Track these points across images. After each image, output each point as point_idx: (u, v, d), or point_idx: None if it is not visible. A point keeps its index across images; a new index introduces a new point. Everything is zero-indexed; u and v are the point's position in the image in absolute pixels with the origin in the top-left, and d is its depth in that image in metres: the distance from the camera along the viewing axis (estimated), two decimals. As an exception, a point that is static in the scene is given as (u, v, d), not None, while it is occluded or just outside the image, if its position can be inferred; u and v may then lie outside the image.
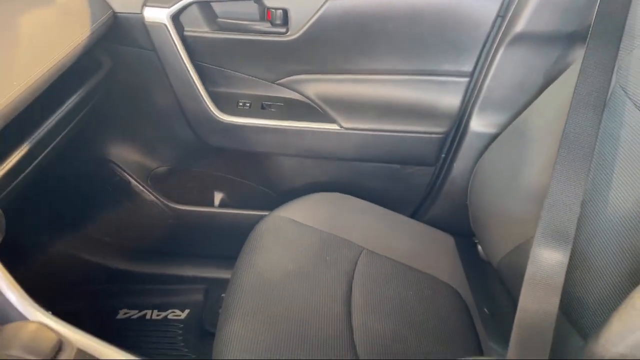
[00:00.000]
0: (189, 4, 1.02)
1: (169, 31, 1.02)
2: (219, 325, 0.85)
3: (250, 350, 0.79)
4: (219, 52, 1.09)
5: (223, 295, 1.27)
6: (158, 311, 1.31)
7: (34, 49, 0.80)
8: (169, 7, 1.01)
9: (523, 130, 0.92)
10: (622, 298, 0.56)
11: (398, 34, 1.03)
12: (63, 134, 0.91)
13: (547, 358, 0.61)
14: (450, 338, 0.87)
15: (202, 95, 1.10)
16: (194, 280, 1.37)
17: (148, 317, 1.30)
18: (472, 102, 1.06)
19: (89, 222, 1.34)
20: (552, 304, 0.63)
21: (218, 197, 1.34)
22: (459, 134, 1.10)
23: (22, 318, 0.58)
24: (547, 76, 0.97)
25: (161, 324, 1.29)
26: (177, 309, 1.32)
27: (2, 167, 0.72)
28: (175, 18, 1.03)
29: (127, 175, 1.28)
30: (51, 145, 0.87)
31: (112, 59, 1.06)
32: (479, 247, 1.08)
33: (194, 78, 1.08)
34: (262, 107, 1.15)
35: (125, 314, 1.30)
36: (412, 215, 1.24)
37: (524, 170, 0.86)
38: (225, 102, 1.14)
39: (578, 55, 0.92)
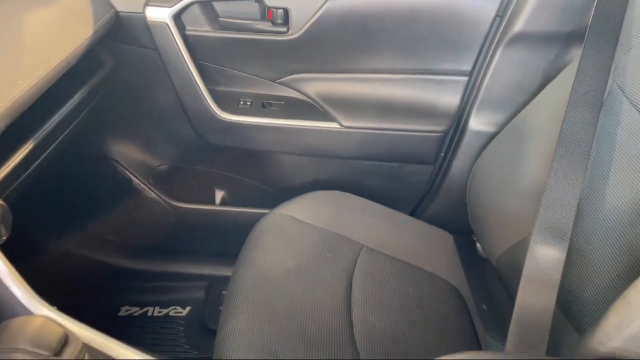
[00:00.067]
0: (191, 4, 1.03)
1: (170, 30, 1.03)
2: (220, 321, 0.86)
3: (252, 346, 0.80)
4: (220, 51, 1.10)
5: (224, 292, 1.28)
6: (160, 308, 1.32)
7: (37, 48, 0.81)
8: (170, 7, 1.01)
9: (521, 129, 0.93)
10: (618, 294, 0.57)
11: (398, 34, 1.03)
12: (66, 132, 0.92)
13: (544, 352, 0.62)
14: (449, 334, 0.88)
15: (203, 94, 1.11)
16: (195, 277, 1.38)
17: (150, 314, 1.31)
18: (471, 101, 1.06)
19: (91, 220, 1.34)
20: (549, 299, 0.64)
21: (219, 195, 1.35)
22: (458, 133, 1.10)
23: (28, 313, 0.59)
24: (545, 75, 0.98)
25: (163, 321, 1.30)
26: (178, 306, 1.33)
27: (8, 163, 0.73)
28: (177, 17, 1.04)
29: (129, 173, 1.29)
30: (54, 143, 0.88)
31: (114, 57, 1.07)
32: (478, 245, 1.09)
33: (195, 77, 1.09)
34: (263, 105, 1.16)
35: (127, 311, 1.31)
36: (412, 213, 1.25)
37: (522, 169, 0.87)
38: (226, 101, 1.15)
39: (576, 54, 0.93)
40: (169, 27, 1.03)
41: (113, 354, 0.58)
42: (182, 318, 1.31)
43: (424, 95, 1.11)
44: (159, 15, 1.02)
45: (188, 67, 1.08)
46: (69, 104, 0.91)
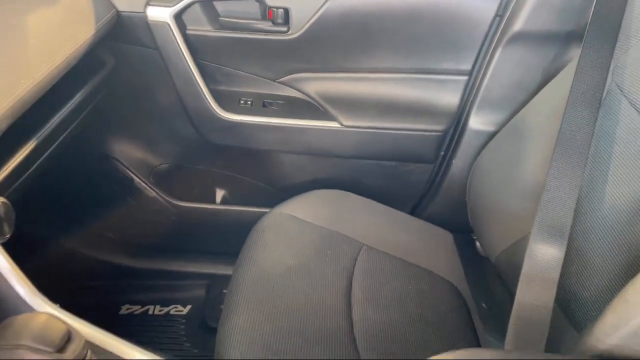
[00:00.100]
0: (192, 3, 1.03)
1: (171, 30, 1.03)
2: (221, 319, 0.86)
3: (253, 343, 0.80)
4: (221, 50, 1.11)
5: (225, 291, 1.28)
6: (160, 307, 1.32)
7: (40, 47, 0.81)
8: (171, 6, 1.02)
9: (521, 128, 0.93)
10: (616, 292, 0.57)
11: (398, 33, 1.04)
12: (67, 131, 0.92)
13: (543, 349, 0.62)
14: (449, 332, 0.89)
15: (204, 93, 1.11)
16: (196, 276, 1.38)
17: (150, 312, 1.31)
18: (470, 100, 1.07)
19: (92, 219, 1.35)
20: (548, 297, 0.65)
21: (220, 194, 1.35)
22: (458, 132, 1.11)
23: (31, 310, 0.59)
24: (544, 75, 0.99)
25: (163, 320, 1.30)
26: (179, 304, 1.33)
27: (10, 162, 0.73)
28: (178, 17, 1.04)
29: (130, 172, 1.29)
30: (56, 143, 0.88)
31: (115, 57, 1.07)
32: (477, 243, 1.09)
33: (196, 76, 1.09)
34: (264, 105, 1.16)
35: (127, 309, 1.32)
36: (412, 212, 1.25)
37: (521, 168, 0.87)
38: (227, 100, 1.15)
39: (575, 54, 0.93)
40: (170, 26, 1.03)
41: (115, 351, 0.58)
42: (182, 316, 1.31)
43: (424, 94, 1.11)
44: (160, 14, 1.02)
45: (189, 66, 1.08)
46: (70, 103, 0.91)
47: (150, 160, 1.31)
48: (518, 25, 0.95)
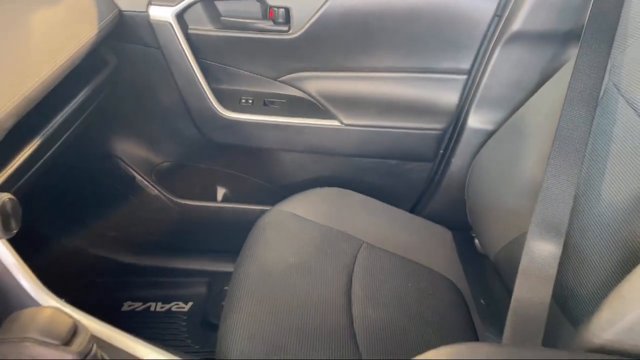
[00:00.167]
0: (193, 3, 1.04)
1: (173, 29, 1.04)
2: (223, 315, 0.87)
3: (254, 338, 0.81)
4: (223, 49, 1.11)
5: (226, 288, 1.29)
6: (162, 303, 1.33)
7: (44, 46, 0.82)
8: (173, 6, 1.03)
9: (519, 127, 0.94)
10: (612, 288, 0.58)
11: (398, 33, 1.05)
12: (71, 130, 0.93)
13: (540, 344, 0.63)
14: (448, 328, 0.89)
15: (205, 92, 1.12)
16: (197, 273, 1.39)
17: (152, 309, 1.32)
18: (469, 99, 1.08)
19: (94, 216, 1.35)
20: (545, 293, 0.65)
21: (221, 192, 1.35)
22: (457, 131, 1.12)
23: (37, 305, 0.60)
24: (542, 74, 0.99)
25: (165, 316, 1.31)
26: (180, 301, 1.34)
27: (16, 160, 0.74)
28: (180, 16, 1.05)
29: (132, 170, 1.30)
30: (60, 141, 0.89)
31: (117, 56, 1.08)
32: (476, 241, 1.10)
33: (197, 75, 1.10)
34: (265, 103, 1.17)
35: (129, 306, 1.32)
36: (411, 210, 1.26)
37: (520, 166, 0.88)
38: (228, 99, 1.16)
39: (573, 53, 0.93)
40: (172, 26, 1.04)
41: (120, 346, 0.59)
42: (184, 313, 1.32)
43: (423, 93, 1.12)
44: (162, 14, 1.03)
45: (191, 65, 1.09)
46: (73, 102, 0.92)
47: (152, 159, 1.31)
48: (517, 25, 0.95)
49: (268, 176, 1.32)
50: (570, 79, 0.73)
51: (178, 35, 1.05)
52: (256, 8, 1.07)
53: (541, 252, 0.67)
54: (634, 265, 0.58)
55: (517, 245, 0.83)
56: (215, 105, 1.14)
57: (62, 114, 0.89)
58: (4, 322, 0.51)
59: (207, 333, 1.28)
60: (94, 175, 1.31)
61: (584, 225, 0.72)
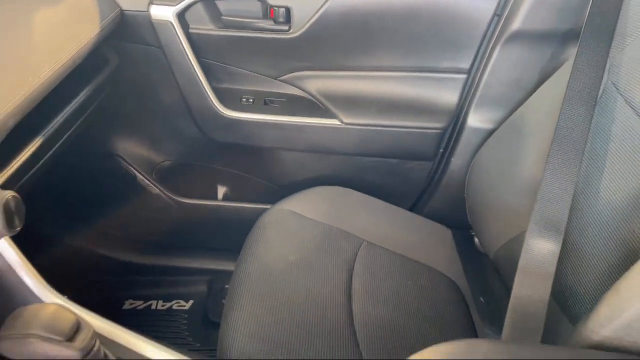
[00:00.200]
0: (194, 2, 1.04)
1: (174, 29, 1.04)
2: (224, 312, 0.88)
3: (255, 334, 0.82)
4: (223, 49, 1.12)
5: (227, 286, 1.29)
6: (163, 302, 1.33)
7: (45, 46, 0.83)
8: (175, 5, 1.03)
9: (519, 126, 0.94)
10: (611, 286, 0.59)
11: (398, 32, 1.05)
12: (72, 128, 0.93)
13: (539, 341, 0.64)
14: (447, 325, 0.90)
15: (206, 91, 1.13)
16: (198, 271, 1.39)
17: (153, 307, 1.33)
18: (469, 98, 1.08)
19: (96, 215, 1.36)
20: (544, 290, 0.66)
21: (221, 190, 1.36)
22: (457, 130, 1.12)
23: (39, 302, 0.61)
24: (542, 73, 1.00)
25: (166, 314, 1.32)
26: (181, 299, 1.34)
27: (18, 158, 0.75)
28: (181, 16, 1.05)
29: (133, 169, 1.31)
30: (61, 140, 0.89)
31: (119, 55, 1.09)
32: (476, 240, 1.10)
33: (198, 74, 1.11)
34: (265, 102, 1.17)
35: (130, 304, 1.33)
36: (411, 209, 1.26)
37: (519, 165, 0.88)
38: (229, 98, 1.16)
39: (572, 53, 0.93)
40: (173, 25, 1.04)
41: (122, 342, 0.60)
42: (185, 311, 1.32)
43: (423, 92, 1.12)
44: (163, 13, 1.04)
45: (192, 64, 1.09)
46: (75, 101, 0.92)
47: (153, 158, 1.32)
48: (516, 25, 0.96)
49: (268, 175, 1.32)
50: (569, 78, 0.73)
51: (179, 34, 1.05)
52: (257, 7, 1.07)
53: (540, 250, 0.67)
54: (632, 263, 0.58)
55: (516, 243, 0.84)
56: (216, 105, 1.14)
57: (63, 113, 0.90)
58: (8, 318, 0.51)
59: (208, 331, 1.28)
60: (95, 174, 1.31)
61: (582, 223, 0.72)
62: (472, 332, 0.91)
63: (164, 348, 0.61)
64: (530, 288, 0.66)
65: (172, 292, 1.35)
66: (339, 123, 1.14)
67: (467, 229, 1.12)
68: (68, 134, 0.92)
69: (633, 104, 0.69)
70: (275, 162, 1.28)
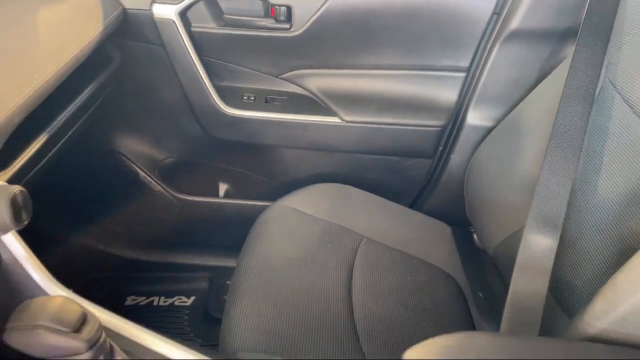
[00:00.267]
0: (197, 1, 1.05)
1: (177, 27, 1.05)
2: (226, 306, 0.89)
3: (257, 329, 0.83)
4: (225, 47, 1.12)
5: (228, 282, 1.30)
6: (165, 298, 1.34)
7: (51, 44, 0.83)
8: (177, 4, 1.04)
9: (517, 124, 0.95)
10: (607, 280, 0.60)
11: (398, 31, 1.06)
12: (76, 126, 0.94)
13: (537, 334, 0.65)
14: (446, 320, 0.91)
15: (208, 89, 1.13)
16: (200, 268, 1.40)
17: (155, 303, 1.33)
18: (468, 96, 1.09)
19: (98, 212, 1.36)
20: (541, 285, 0.67)
21: (223, 188, 1.37)
22: (456, 127, 1.13)
23: (46, 295, 0.62)
24: (540, 72, 1.01)
25: (168, 310, 1.32)
26: (183, 295, 1.35)
27: (25, 154, 0.76)
28: (183, 14, 1.06)
29: (136, 167, 1.31)
30: (65, 137, 0.90)
31: (121, 54, 1.09)
32: (475, 236, 1.11)
33: (200, 72, 1.11)
34: (266, 100, 1.18)
35: (133, 300, 1.34)
36: (411, 206, 1.27)
37: (517, 162, 0.89)
38: (230, 96, 1.17)
39: (570, 51, 0.94)
40: (175, 23, 1.05)
41: (126, 334, 0.61)
42: (186, 307, 1.33)
43: (423, 90, 1.13)
44: (165, 12, 1.04)
45: (194, 63, 1.10)
46: (79, 98, 0.93)
47: (155, 155, 1.32)
48: (515, 23, 0.97)
49: (270, 172, 1.33)
50: (567, 76, 0.74)
51: (181, 32, 1.06)
52: (258, 6, 1.08)
53: (538, 245, 0.68)
54: (628, 258, 0.59)
55: (515, 240, 0.84)
56: (218, 102, 1.15)
57: (67, 110, 0.90)
58: (15, 310, 0.52)
59: (209, 327, 1.29)
60: (97, 171, 1.32)
61: (580, 219, 0.73)
62: (470, 327, 0.92)
63: (168, 340, 0.62)
64: (528, 282, 0.67)
65: (174, 288, 1.36)
66: (340, 121, 1.15)
67: (466, 225, 1.13)
68: (72, 131, 0.93)
69: (630, 101, 0.70)
70: (276, 159, 1.29)
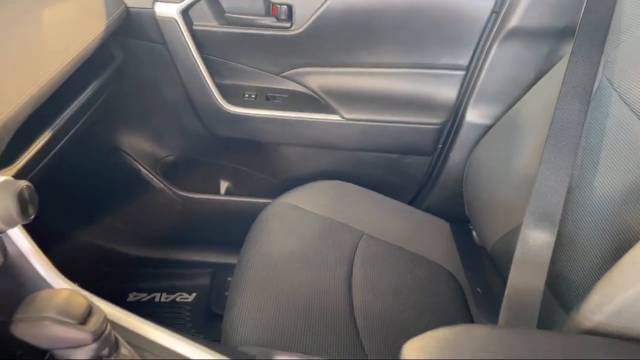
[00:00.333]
0: (198, 0, 1.06)
1: (178, 25, 1.06)
2: (228, 302, 0.89)
3: (258, 324, 0.84)
4: (227, 45, 1.13)
5: (229, 279, 1.30)
6: (167, 294, 1.35)
7: (55, 42, 0.84)
8: (179, 3, 1.05)
9: (516, 122, 0.96)
10: (603, 275, 0.61)
11: (398, 29, 1.07)
12: (79, 123, 0.95)
13: (534, 328, 0.65)
14: (445, 314, 0.92)
15: (209, 87, 1.14)
16: (201, 265, 1.41)
17: (157, 299, 1.34)
18: (467, 94, 1.10)
19: (100, 209, 1.37)
20: (539, 280, 0.68)
21: (224, 185, 1.37)
22: (455, 125, 1.14)
23: (51, 288, 0.63)
24: (538, 70, 1.01)
25: (170, 307, 1.33)
26: (184, 292, 1.36)
27: (31, 149, 0.77)
28: (185, 13, 1.07)
29: (137, 164, 1.32)
30: (69, 134, 0.91)
31: (124, 52, 1.10)
32: (474, 233, 1.11)
33: (202, 70, 1.12)
34: (267, 98, 1.19)
35: (135, 296, 1.34)
36: (410, 203, 1.27)
37: (516, 159, 0.90)
38: (232, 94, 1.18)
39: (568, 49, 0.94)
40: (177, 22, 1.06)
41: (130, 327, 0.62)
42: (188, 304, 1.34)
43: (422, 88, 1.14)
44: (167, 10, 1.05)
45: (195, 61, 1.11)
46: (82, 96, 0.94)
47: (157, 153, 1.33)
48: (514, 22, 0.97)
49: (270, 170, 1.34)
50: (565, 74, 0.75)
51: (183, 31, 1.07)
52: (259, 5, 1.09)
53: (536, 240, 0.69)
54: (624, 254, 0.60)
55: (513, 236, 0.84)
56: (219, 100, 1.15)
57: (71, 107, 0.91)
58: (22, 303, 0.53)
59: (211, 323, 1.30)
60: (99, 168, 1.32)
61: (577, 216, 0.74)
62: (469, 322, 0.93)
63: (172, 333, 0.63)
64: (525, 277, 0.68)
65: (176, 285, 1.37)
66: (340, 119, 1.15)
67: (465, 222, 1.13)
68: (75, 128, 0.93)
69: (627, 99, 0.71)
70: (277, 157, 1.29)
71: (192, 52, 1.10)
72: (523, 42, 0.99)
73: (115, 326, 0.61)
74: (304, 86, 1.20)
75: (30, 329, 0.51)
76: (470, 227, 1.13)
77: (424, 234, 1.12)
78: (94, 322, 0.52)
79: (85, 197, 1.34)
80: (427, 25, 1.05)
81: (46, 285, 0.62)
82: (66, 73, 0.81)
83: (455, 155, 1.14)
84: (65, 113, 0.89)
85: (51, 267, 0.63)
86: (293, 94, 1.20)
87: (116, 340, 0.56)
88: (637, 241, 0.59)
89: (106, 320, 0.54)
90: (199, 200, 1.36)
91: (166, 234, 1.42)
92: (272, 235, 1.01)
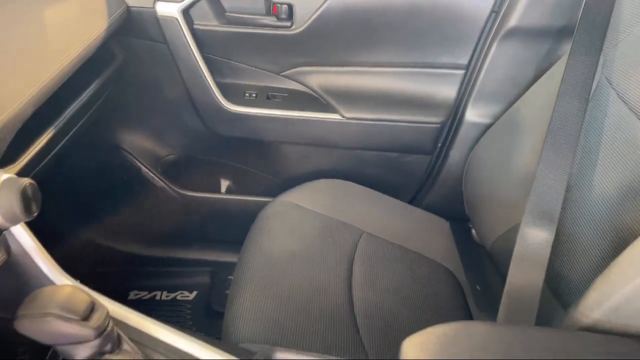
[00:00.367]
0: (199, -1, 1.07)
1: (179, 25, 1.06)
2: (229, 300, 0.90)
3: (259, 320, 0.84)
4: (227, 44, 1.14)
5: (230, 277, 1.31)
6: (167, 292, 1.36)
7: (57, 41, 0.85)
8: (180, 2, 1.05)
9: (515, 121, 0.96)
10: (601, 272, 0.61)
11: (398, 28, 1.07)
12: (81, 122, 0.95)
13: (533, 324, 0.66)
14: (444, 312, 0.92)
15: (210, 86, 1.15)
16: (201, 263, 1.41)
17: (158, 298, 1.35)
18: (467, 93, 1.10)
19: (101, 207, 1.37)
20: (538, 277, 0.68)
21: (225, 183, 1.38)
22: (455, 124, 1.14)
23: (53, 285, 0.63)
24: (537, 69, 1.02)
25: (170, 305, 1.34)
26: (185, 290, 1.36)
27: (33, 147, 0.77)
28: (186, 12, 1.07)
29: (138, 163, 1.32)
30: (71, 132, 0.91)
31: (125, 51, 1.10)
32: (473, 231, 1.12)
33: (203, 70, 1.12)
34: (268, 97, 1.19)
35: (136, 295, 1.35)
36: (410, 201, 1.28)
37: (516, 158, 0.90)
38: (232, 93, 1.18)
39: (567, 49, 0.94)
40: (178, 21, 1.06)
41: (132, 323, 0.62)
42: (189, 302, 1.34)
43: (422, 87, 1.14)
44: (168, 10, 1.05)
45: (196, 60, 1.11)
46: (84, 94, 0.94)
47: (158, 151, 1.34)
48: (513, 21, 0.98)
49: (271, 168, 1.34)
50: (564, 73, 0.75)
51: (184, 30, 1.07)
52: (260, 4, 1.09)
53: (534, 238, 0.69)
54: (621, 251, 0.60)
55: (512, 234, 0.84)
56: (220, 99, 1.16)
57: (72, 106, 0.92)
58: (25, 300, 0.53)
59: (211, 321, 1.30)
60: (101, 167, 1.32)
61: (575, 214, 0.74)
62: (468, 319, 0.93)
63: (173, 330, 0.63)
64: (524, 275, 0.69)
65: (177, 283, 1.37)
66: (340, 117, 1.16)
67: (464, 220, 1.14)
68: (76, 127, 0.94)
69: (626, 98, 0.71)
70: (277, 155, 1.30)
71: (193, 51, 1.10)
72: (522, 41, 1.00)
73: (118, 323, 0.61)
74: (305, 85, 1.20)
75: (33, 325, 0.52)
76: (470, 225, 1.14)
77: (423, 233, 1.12)
78: (96, 319, 0.53)
79: (85, 195, 1.34)
80: (427, 25, 1.06)
81: (49, 282, 0.63)
82: (67, 72, 0.81)
83: (455, 154, 1.14)
84: (67, 112, 0.90)
85: (54, 264, 0.63)
86: (293, 93, 1.20)
87: (118, 337, 0.57)
88: (634, 239, 0.59)
89: (109, 316, 0.54)
90: (199, 199, 1.36)
91: (167, 232, 1.42)
92: (273, 233, 1.01)
